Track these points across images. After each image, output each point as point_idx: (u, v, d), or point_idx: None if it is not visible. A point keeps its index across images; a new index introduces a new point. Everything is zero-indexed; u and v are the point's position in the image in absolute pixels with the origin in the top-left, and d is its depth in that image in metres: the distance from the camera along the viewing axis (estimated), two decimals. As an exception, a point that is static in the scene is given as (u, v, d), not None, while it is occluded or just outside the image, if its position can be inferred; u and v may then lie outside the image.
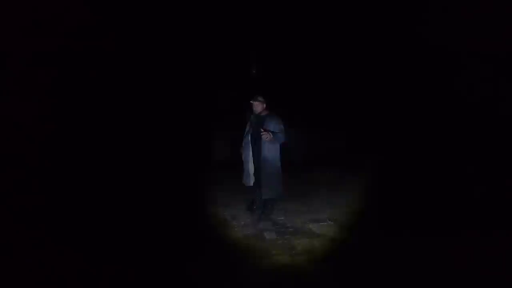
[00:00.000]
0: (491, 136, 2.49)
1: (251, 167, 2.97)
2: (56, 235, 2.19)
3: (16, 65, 2.03)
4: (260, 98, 2.95)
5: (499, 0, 2.25)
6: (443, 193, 2.80)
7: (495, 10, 2.26)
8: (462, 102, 2.74)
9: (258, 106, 2.94)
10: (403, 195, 3.07)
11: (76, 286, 1.83)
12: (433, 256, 2.06)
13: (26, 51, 2.09)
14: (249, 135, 2.98)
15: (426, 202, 2.84)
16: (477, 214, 2.37)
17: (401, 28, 3.49)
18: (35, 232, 2.11)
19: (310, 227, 2.86)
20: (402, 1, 3.28)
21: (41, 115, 2.26)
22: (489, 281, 1.78)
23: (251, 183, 3.00)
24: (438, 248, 2.14)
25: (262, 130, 2.75)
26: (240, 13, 4.38)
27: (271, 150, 2.86)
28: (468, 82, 2.65)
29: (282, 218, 3.05)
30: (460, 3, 2.50)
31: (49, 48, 2.22)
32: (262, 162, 2.86)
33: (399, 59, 3.75)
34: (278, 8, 4.41)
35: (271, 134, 2.74)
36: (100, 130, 2.77)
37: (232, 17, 4.35)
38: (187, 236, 2.52)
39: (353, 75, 5.06)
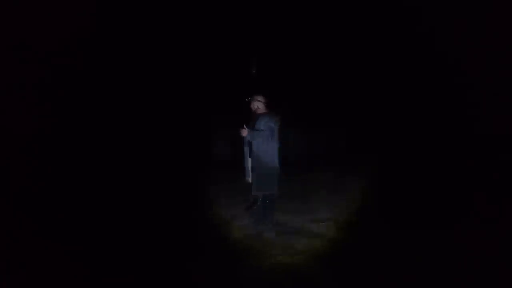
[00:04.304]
0: (488, 136, 2.49)
1: (250, 164, 2.99)
2: (56, 234, 2.19)
3: (16, 66, 2.03)
4: (259, 97, 2.96)
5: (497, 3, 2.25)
6: (441, 192, 2.80)
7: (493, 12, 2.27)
8: (459, 103, 2.74)
9: (255, 105, 2.96)
10: (403, 194, 3.07)
11: (76, 286, 1.83)
12: (432, 255, 2.06)
13: (26, 52, 2.08)
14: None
15: (425, 201, 2.84)
16: (475, 209, 2.37)
17: (401, 29, 3.49)
18: (35, 231, 2.11)
19: (310, 227, 2.85)
20: (402, 3, 3.28)
21: (42, 116, 2.26)
22: (488, 275, 1.78)
23: (250, 180, 3.01)
24: (437, 247, 2.14)
25: (244, 126, 2.82)
26: (241, 13, 4.37)
27: (262, 148, 2.86)
28: (466, 83, 2.65)
29: (282, 218, 3.04)
30: (458, 5, 2.50)
31: (49, 49, 2.21)
32: (254, 160, 2.88)
33: (399, 60, 3.75)
34: (278, 8, 4.41)
35: (247, 131, 2.81)
36: (101, 132, 2.77)
37: (232, 17, 4.35)
38: (187, 236, 2.52)
39: (354, 76, 5.06)
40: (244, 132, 2.83)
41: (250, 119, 3.06)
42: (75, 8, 2.31)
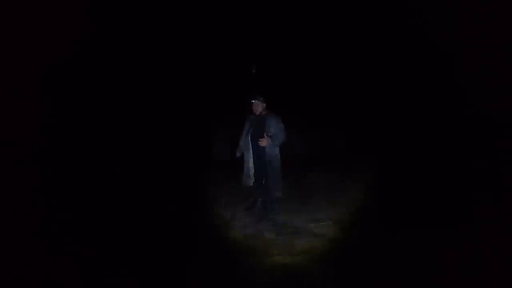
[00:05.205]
0: (488, 136, 2.49)
1: (251, 167, 2.97)
2: (55, 234, 2.19)
3: (16, 68, 2.03)
4: (260, 98, 2.96)
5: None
6: (442, 192, 2.80)
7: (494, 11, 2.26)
8: (460, 102, 2.73)
9: (258, 106, 2.95)
10: (403, 194, 3.07)
11: (76, 286, 1.83)
12: (433, 255, 2.06)
13: (27, 54, 2.08)
14: (249, 135, 2.97)
15: (425, 201, 2.84)
16: (477, 209, 2.37)
17: (401, 28, 3.49)
18: (34, 231, 2.11)
19: (310, 227, 2.85)
20: (403, 2, 3.28)
21: (41, 116, 2.26)
22: (489, 275, 1.78)
23: (251, 183, 3.00)
24: (438, 248, 2.14)
25: (264, 136, 2.77)
26: (241, 13, 4.37)
27: (273, 148, 2.87)
28: (466, 82, 2.64)
29: (282, 218, 3.04)
30: (459, 4, 2.50)
31: (48, 49, 2.21)
32: (266, 160, 2.86)
33: (399, 59, 3.75)
34: (278, 7, 4.41)
35: (269, 139, 2.77)
36: (100, 131, 2.77)
37: (232, 16, 4.35)
38: (187, 236, 2.52)
39: (353, 75, 5.06)
40: (265, 141, 2.78)
41: (248, 119, 3.06)
42: (75, 8, 2.31)
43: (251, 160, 2.97)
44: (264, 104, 2.97)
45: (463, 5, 2.40)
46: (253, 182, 3.01)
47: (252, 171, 2.98)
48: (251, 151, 2.97)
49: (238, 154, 3.07)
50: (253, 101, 2.96)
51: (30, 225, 2.15)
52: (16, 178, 2.12)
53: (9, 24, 1.90)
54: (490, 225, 2.21)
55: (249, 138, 2.98)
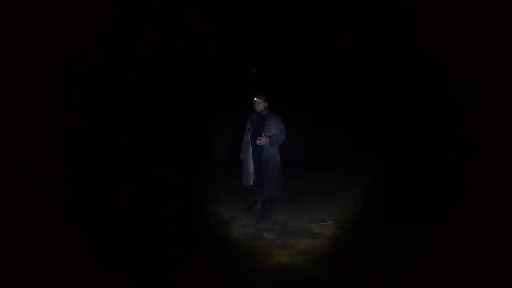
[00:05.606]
0: (488, 136, 2.48)
1: (251, 166, 2.97)
2: (54, 234, 2.19)
3: (18, 67, 2.03)
4: (262, 97, 2.97)
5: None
6: (442, 191, 2.80)
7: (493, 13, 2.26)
8: (460, 102, 2.73)
9: (259, 105, 2.96)
10: (403, 194, 3.07)
11: (73, 285, 1.82)
12: (433, 255, 2.06)
13: (30, 53, 2.08)
14: (249, 134, 2.98)
15: (426, 201, 2.84)
16: (477, 209, 2.37)
17: (400, 28, 3.49)
18: (33, 231, 2.11)
19: (310, 227, 2.85)
20: (403, 3, 3.28)
21: (41, 117, 2.26)
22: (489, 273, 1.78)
23: (251, 182, 3.00)
24: (439, 247, 2.14)
25: (263, 134, 2.78)
26: (240, 12, 4.37)
27: (272, 148, 2.87)
28: (466, 82, 2.64)
29: (282, 218, 3.04)
30: (459, 5, 2.50)
31: (50, 48, 2.21)
32: (265, 160, 2.86)
33: (399, 59, 3.75)
34: (278, 7, 4.41)
35: (268, 139, 2.78)
36: (100, 131, 2.77)
37: (232, 16, 4.35)
38: (186, 236, 2.52)
39: (353, 75, 5.06)
40: (263, 140, 2.80)
41: (249, 118, 3.06)
42: (76, 8, 2.31)
43: (251, 160, 2.98)
44: (266, 103, 2.98)
45: (463, 5, 2.40)
46: (253, 181, 3.01)
47: (252, 170, 2.99)
48: (251, 150, 2.97)
49: (242, 156, 3.06)
50: (255, 99, 2.96)
51: (29, 224, 2.15)
52: (17, 179, 2.12)
53: (11, 24, 1.90)
54: (491, 225, 2.21)
55: (249, 137, 2.99)
